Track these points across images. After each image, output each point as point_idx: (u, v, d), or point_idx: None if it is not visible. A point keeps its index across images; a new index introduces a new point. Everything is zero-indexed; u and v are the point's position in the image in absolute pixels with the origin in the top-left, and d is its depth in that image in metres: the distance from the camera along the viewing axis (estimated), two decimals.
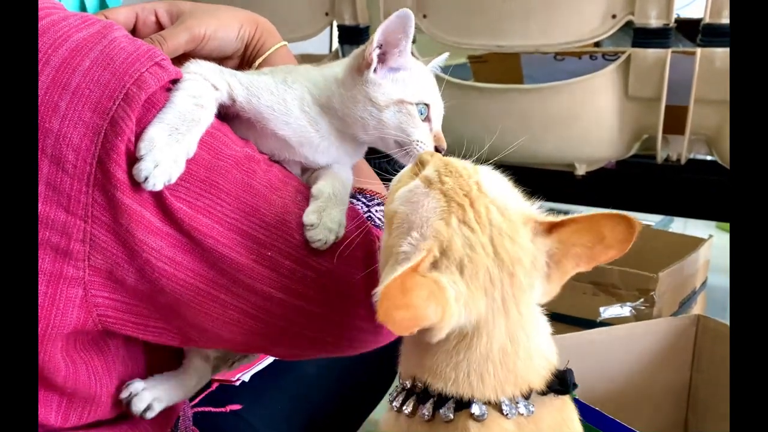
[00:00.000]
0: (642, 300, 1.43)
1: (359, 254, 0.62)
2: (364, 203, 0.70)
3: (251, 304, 0.60)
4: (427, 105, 0.64)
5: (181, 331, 0.62)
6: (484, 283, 0.50)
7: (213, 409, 0.84)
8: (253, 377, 0.89)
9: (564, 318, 1.51)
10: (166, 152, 0.55)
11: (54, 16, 0.56)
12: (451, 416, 0.51)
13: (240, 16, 0.72)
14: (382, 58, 0.63)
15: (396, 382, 0.57)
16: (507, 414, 0.51)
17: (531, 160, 1.60)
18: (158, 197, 0.55)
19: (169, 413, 0.77)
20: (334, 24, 1.69)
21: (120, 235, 0.55)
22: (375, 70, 0.62)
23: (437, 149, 0.64)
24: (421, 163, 0.57)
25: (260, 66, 0.73)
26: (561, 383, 0.54)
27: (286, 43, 0.75)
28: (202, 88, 0.60)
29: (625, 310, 1.44)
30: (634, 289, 1.45)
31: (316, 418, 0.90)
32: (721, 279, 1.76)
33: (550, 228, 0.54)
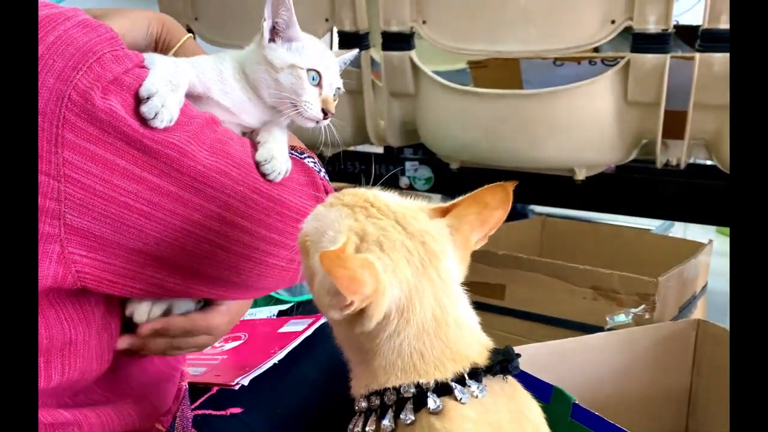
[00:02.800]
0: (642, 305, 1.43)
1: (309, 190, 0.74)
2: (297, 156, 0.78)
3: (223, 236, 0.67)
4: (318, 72, 0.73)
5: (158, 284, 0.67)
6: (403, 253, 0.56)
7: (213, 412, 0.84)
8: (252, 381, 0.89)
9: (564, 323, 1.51)
10: (169, 96, 0.63)
11: None
12: (412, 417, 0.53)
13: (148, 14, 0.80)
14: (277, 32, 0.73)
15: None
16: (461, 399, 0.53)
17: (530, 165, 1.61)
18: (142, 145, 0.61)
19: (157, 406, 0.78)
20: (335, 30, 1.69)
21: (95, 189, 0.60)
22: (273, 40, 0.73)
23: (324, 111, 0.73)
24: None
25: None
26: (504, 358, 0.57)
27: (191, 35, 0.83)
28: (174, 59, 0.69)
29: (629, 318, 1.44)
30: (634, 293, 1.45)
31: (316, 421, 0.90)
32: (721, 283, 1.76)
33: (443, 212, 0.61)
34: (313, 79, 0.72)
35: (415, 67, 1.60)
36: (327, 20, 1.65)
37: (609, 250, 1.84)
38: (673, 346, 1.23)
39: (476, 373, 0.55)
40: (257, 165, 0.70)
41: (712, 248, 1.71)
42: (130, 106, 0.61)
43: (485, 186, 0.61)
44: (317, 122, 0.73)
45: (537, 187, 1.70)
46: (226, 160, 0.67)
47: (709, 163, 1.65)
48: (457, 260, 0.60)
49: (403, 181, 1.86)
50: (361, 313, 0.54)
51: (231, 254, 0.69)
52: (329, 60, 0.75)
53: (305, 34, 0.75)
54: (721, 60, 1.29)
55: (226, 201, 0.66)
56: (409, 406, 0.53)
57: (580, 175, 1.55)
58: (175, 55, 0.79)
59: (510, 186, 0.61)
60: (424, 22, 1.55)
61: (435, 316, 0.56)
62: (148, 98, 0.61)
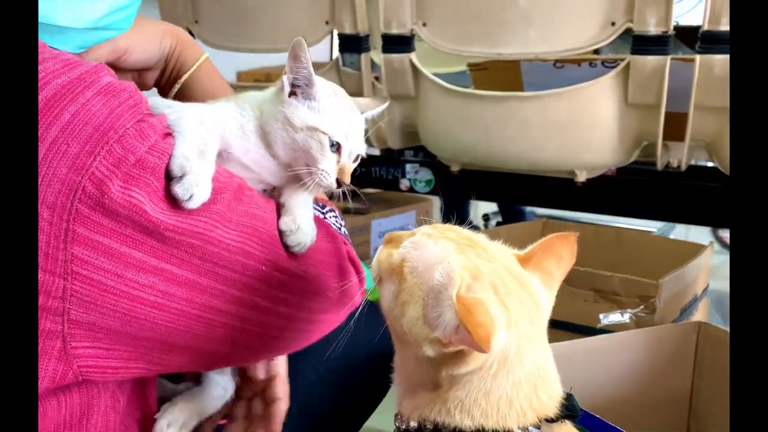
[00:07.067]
0: (643, 307, 1.43)
1: (333, 260, 0.70)
2: (318, 210, 0.73)
3: (239, 318, 0.63)
4: (338, 143, 0.66)
5: (163, 364, 0.63)
6: (516, 302, 0.55)
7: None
8: None
9: (565, 325, 1.51)
10: (201, 170, 0.57)
11: None
12: None
13: (162, 28, 0.76)
14: (298, 87, 0.66)
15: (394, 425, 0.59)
16: None
17: (531, 167, 1.61)
18: (163, 237, 0.55)
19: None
20: (335, 33, 1.69)
21: (106, 284, 0.54)
22: (295, 94, 0.66)
23: (338, 182, 0.66)
24: (389, 241, 0.61)
25: (188, 81, 0.77)
26: (568, 408, 0.57)
27: (207, 55, 0.78)
28: (200, 114, 0.62)
29: (625, 317, 1.44)
30: (635, 295, 1.44)
31: (319, 424, 0.90)
32: (722, 285, 1.75)
33: (522, 260, 0.61)
34: (333, 145, 0.66)
35: (415, 70, 1.60)
36: (327, 23, 1.65)
37: (610, 253, 1.83)
38: (674, 348, 1.22)
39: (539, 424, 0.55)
40: (281, 234, 0.64)
41: (713, 250, 1.70)
42: (156, 191, 0.55)
43: (553, 235, 0.62)
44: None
45: (537, 189, 1.69)
46: (252, 238, 0.61)
47: (710, 164, 1.64)
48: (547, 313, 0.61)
49: (404, 184, 1.86)
50: (458, 355, 0.53)
51: (245, 334, 0.64)
52: (354, 125, 0.68)
53: (334, 91, 0.68)
54: (721, 62, 1.29)
55: (247, 282, 0.62)
56: None
57: (581, 177, 1.55)
58: (192, 76, 0.76)
59: (573, 236, 0.63)
60: (424, 25, 1.55)
61: (538, 365, 0.56)
62: (181, 177, 0.55)
